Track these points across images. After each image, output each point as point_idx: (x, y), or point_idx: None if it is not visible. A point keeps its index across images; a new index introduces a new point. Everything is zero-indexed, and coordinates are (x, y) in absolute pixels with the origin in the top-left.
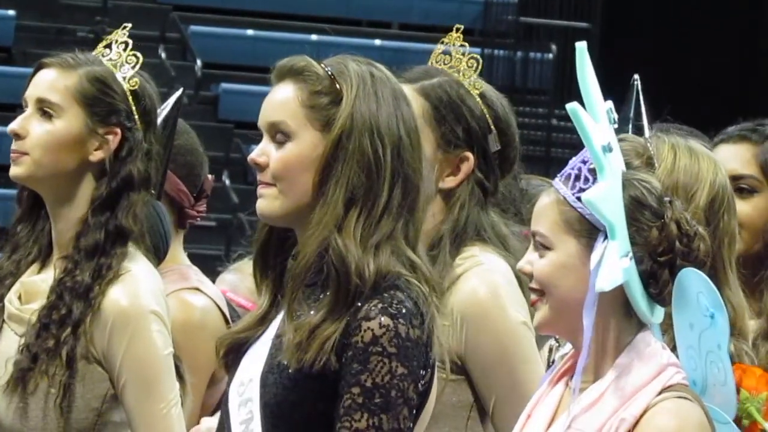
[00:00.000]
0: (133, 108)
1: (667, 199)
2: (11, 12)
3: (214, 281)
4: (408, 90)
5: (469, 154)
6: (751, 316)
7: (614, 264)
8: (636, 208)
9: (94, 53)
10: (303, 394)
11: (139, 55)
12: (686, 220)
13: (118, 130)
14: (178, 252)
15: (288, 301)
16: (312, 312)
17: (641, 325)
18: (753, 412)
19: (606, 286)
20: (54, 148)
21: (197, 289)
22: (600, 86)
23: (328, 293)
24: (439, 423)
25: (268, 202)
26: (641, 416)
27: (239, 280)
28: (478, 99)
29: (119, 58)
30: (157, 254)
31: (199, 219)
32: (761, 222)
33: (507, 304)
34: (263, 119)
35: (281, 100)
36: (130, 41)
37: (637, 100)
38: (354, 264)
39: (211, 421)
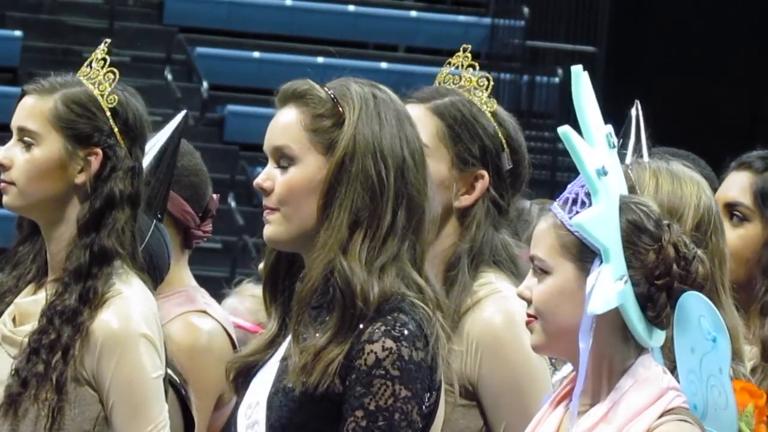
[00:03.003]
0: (113, 125)
1: (665, 222)
2: (18, 33)
3: (218, 303)
4: (421, 109)
5: (484, 172)
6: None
7: (608, 287)
8: (633, 231)
9: (78, 74)
10: (308, 417)
11: (115, 71)
12: (684, 243)
13: (99, 151)
14: (184, 274)
15: (294, 324)
16: (318, 335)
17: (641, 349)
18: (744, 429)
19: (598, 309)
20: (36, 176)
21: (204, 311)
22: (605, 110)
23: (333, 316)
24: None
25: (273, 227)
26: None
27: (238, 302)
28: (491, 117)
29: (97, 77)
30: (160, 277)
31: (205, 239)
32: (747, 252)
33: (523, 333)
34: (268, 144)
35: (284, 125)
36: (108, 58)
37: (638, 126)
38: (359, 286)
39: None
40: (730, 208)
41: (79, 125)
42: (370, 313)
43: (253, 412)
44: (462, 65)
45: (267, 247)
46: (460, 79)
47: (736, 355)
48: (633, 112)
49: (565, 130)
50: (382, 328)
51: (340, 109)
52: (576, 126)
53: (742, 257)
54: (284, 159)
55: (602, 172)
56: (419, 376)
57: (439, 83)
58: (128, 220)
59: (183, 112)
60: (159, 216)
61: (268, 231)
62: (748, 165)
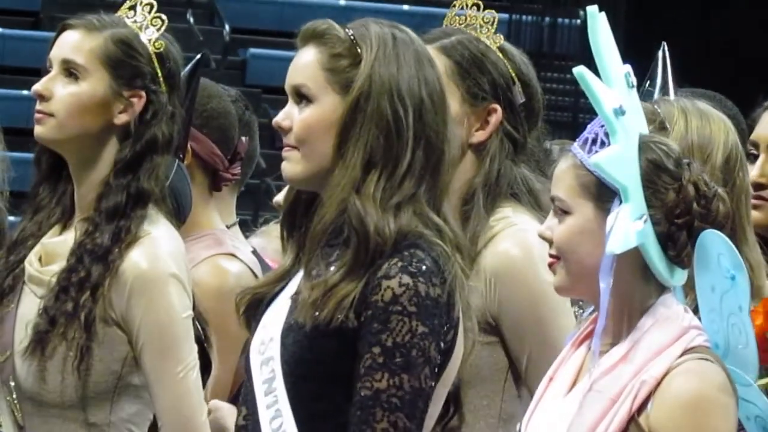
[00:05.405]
0: (158, 71)
1: (685, 161)
2: None
3: None
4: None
5: (497, 106)
6: None
7: (627, 226)
8: (653, 170)
9: (117, 15)
10: (321, 353)
11: (164, 17)
12: (704, 182)
13: (143, 93)
14: (213, 216)
15: (306, 261)
16: (331, 269)
17: (662, 288)
18: None
19: (617, 249)
20: (79, 110)
21: (232, 254)
22: (627, 50)
23: (347, 253)
24: (477, 386)
25: (291, 165)
26: (662, 378)
27: (266, 242)
28: (499, 53)
29: (144, 20)
30: (183, 215)
31: (233, 181)
32: None
33: (540, 264)
34: (287, 83)
35: (303, 64)
36: (155, 3)
37: (664, 67)
38: (373, 225)
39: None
40: None
41: (127, 66)
42: (387, 248)
43: (266, 348)
44: (467, 5)
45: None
46: (466, 18)
47: (757, 293)
48: (660, 53)
49: (580, 71)
50: (399, 264)
51: (358, 49)
52: (597, 67)
53: None
54: (302, 98)
55: (620, 112)
56: (437, 313)
57: (447, 25)
58: (165, 164)
59: (201, 54)
60: (180, 156)
61: (286, 169)
62: None
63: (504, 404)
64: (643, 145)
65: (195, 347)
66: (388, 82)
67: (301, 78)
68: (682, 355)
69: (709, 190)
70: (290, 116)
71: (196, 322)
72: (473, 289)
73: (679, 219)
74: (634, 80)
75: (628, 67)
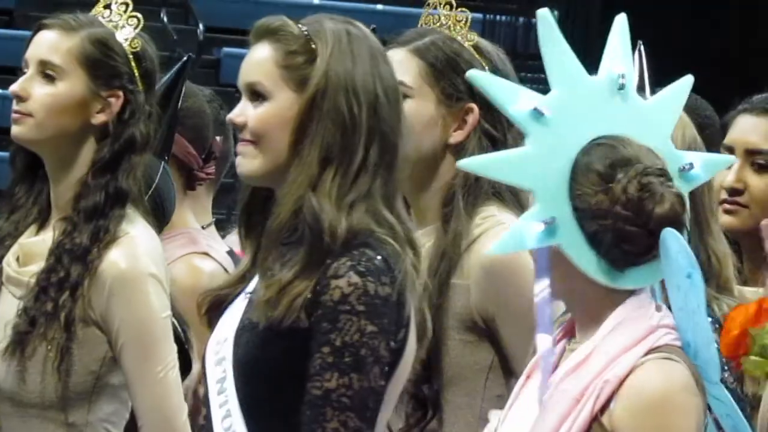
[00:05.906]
0: (135, 70)
1: (635, 164)
2: None
3: None
4: (402, 52)
5: (473, 105)
6: (742, 282)
7: (522, 228)
8: (582, 173)
9: (92, 13)
10: (274, 352)
11: (140, 16)
12: (638, 184)
13: (121, 93)
14: (187, 216)
15: (262, 260)
16: (285, 270)
17: (632, 289)
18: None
19: (495, 250)
20: (56, 110)
21: (206, 253)
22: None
23: (300, 251)
24: (458, 385)
25: (247, 160)
26: (626, 377)
27: None
28: (473, 51)
29: (120, 20)
30: (166, 217)
31: (208, 181)
32: None
33: (530, 260)
34: (241, 80)
35: (257, 61)
36: (130, 2)
37: (641, 66)
38: (328, 222)
39: None
40: (753, 154)
41: (105, 66)
42: (336, 248)
43: (221, 348)
44: (440, 4)
45: (244, 183)
46: (440, 18)
47: (725, 284)
48: (636, 52)
49: (472, 74)
50: (348, 263)
51: (313, 45)
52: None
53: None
54: (257, 95)
55: (538, 114)
56: (386, 312)
57: (422, 25)
58: (143, 164)
59: (187, 56)
60: (165, 158)
61: (242, 165)
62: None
63: (484, 404)
64: (586, 147)
65: (174, 347)
66: (344, 79)
67: (255, 75)
68: (646, 354)
69: (643, 193)
70: (244, 113)
71: (175, 322)
72: (457, 288)
73: (602, 221)
74: (623, 82)
75: (623, 70)
